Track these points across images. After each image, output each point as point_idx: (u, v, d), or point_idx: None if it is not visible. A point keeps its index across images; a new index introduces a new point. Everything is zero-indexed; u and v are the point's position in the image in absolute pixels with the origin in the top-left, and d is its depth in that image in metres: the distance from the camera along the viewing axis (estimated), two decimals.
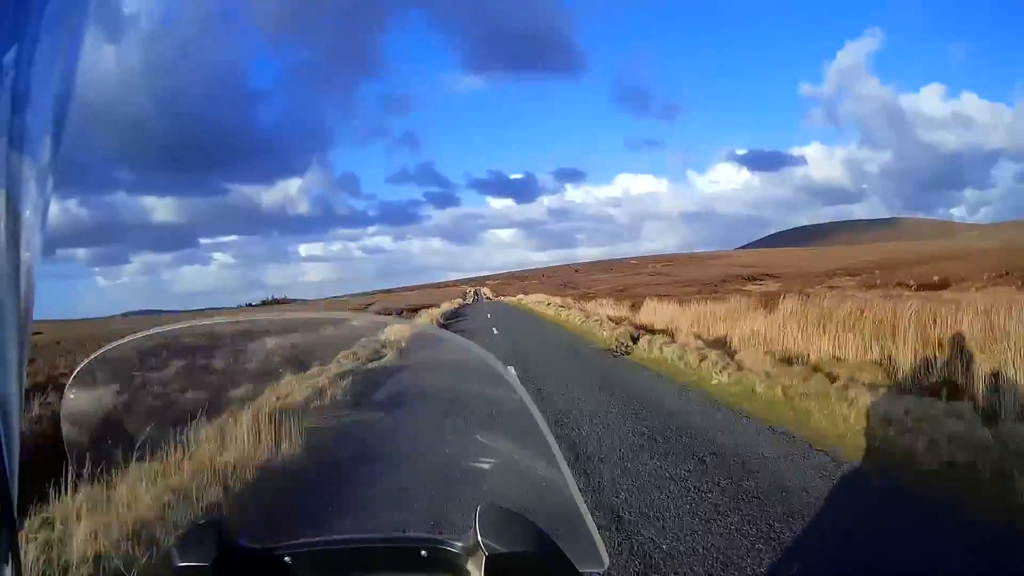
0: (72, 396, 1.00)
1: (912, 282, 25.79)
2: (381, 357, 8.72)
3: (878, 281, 29.78)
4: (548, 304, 32.09)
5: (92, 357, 0.97)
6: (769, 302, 11.90)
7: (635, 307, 20.89)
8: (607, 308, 22.34)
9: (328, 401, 4.85)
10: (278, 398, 4.55)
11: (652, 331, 13.14)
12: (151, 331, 0.98)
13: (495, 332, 17.32)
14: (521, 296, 57.72)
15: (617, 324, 14.90)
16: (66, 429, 1.04)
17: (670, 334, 12.30)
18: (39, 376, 12.33)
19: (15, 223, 0.58)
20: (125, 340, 0.98)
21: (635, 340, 11.65)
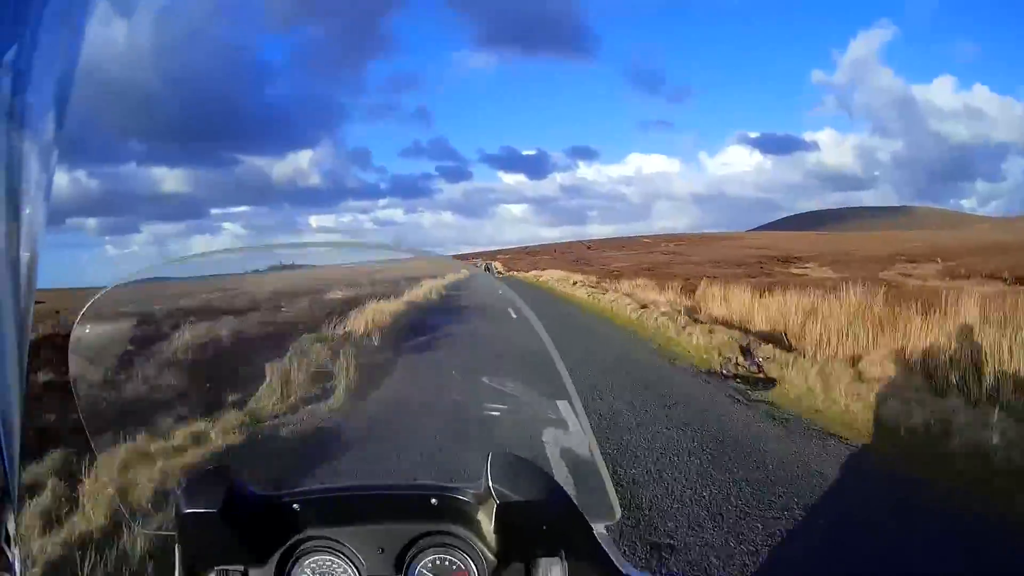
0: (79, 332, 0.94)
1: (1007, 274, 22.64)
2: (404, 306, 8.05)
3: (963, 271, 26.52)
4: (574, 283, 27.91)
5: (103, 292, 0.92)
6: (904, 300, 8.82)
7: (686, 292, 17.62)
8: (650, 291, 18.97)
9: (343, 351, 4.15)
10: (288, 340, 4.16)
11: (759, 336, 9.31)
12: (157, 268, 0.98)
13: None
14: (536, 272, 54.03)
15: (691, 320, 11.56)
16: (73, 367, 0.99)
17: (791, 344, 8.66)
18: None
19: (16, 210, 0.56)
20: (134, 279, 0.93)
21: (747, 352, 7.88)
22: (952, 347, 6.11)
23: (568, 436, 0.95)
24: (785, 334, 9.37)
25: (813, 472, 3.93)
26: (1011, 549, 2.99)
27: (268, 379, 3.87)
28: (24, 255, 0.57)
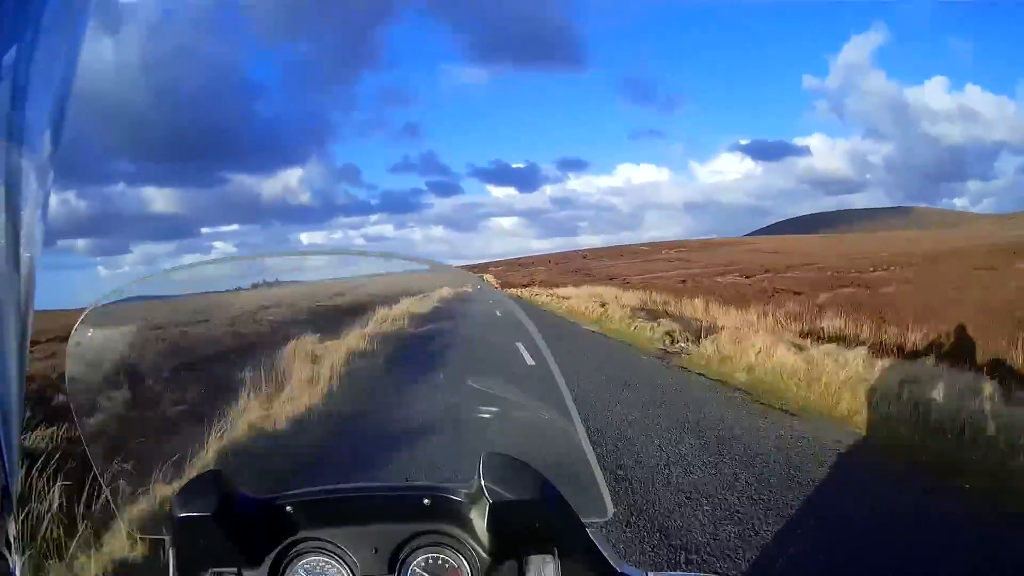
0: (77, 338, 0.98)
1: None
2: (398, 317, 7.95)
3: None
4: (622, 312, 16.06)
5: (101, 301, 0.96)
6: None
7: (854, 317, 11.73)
8: (771, 328, 11.36)
9: (335, 357, 4.40)
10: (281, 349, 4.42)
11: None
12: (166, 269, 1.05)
13: None
14: (537, 289, 45.81)
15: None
16: (70, 370, 1.02)
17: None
18: None
19: (15, 220, 0.58)
20: (135, 281, 0.99)
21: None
22: None
23: (560, 434, 0.92)
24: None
25: (678, 389, 7.67)
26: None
27: (260, 385, 3.84)
28: (24, 255, 0.59)
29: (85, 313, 0.98)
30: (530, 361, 1.14)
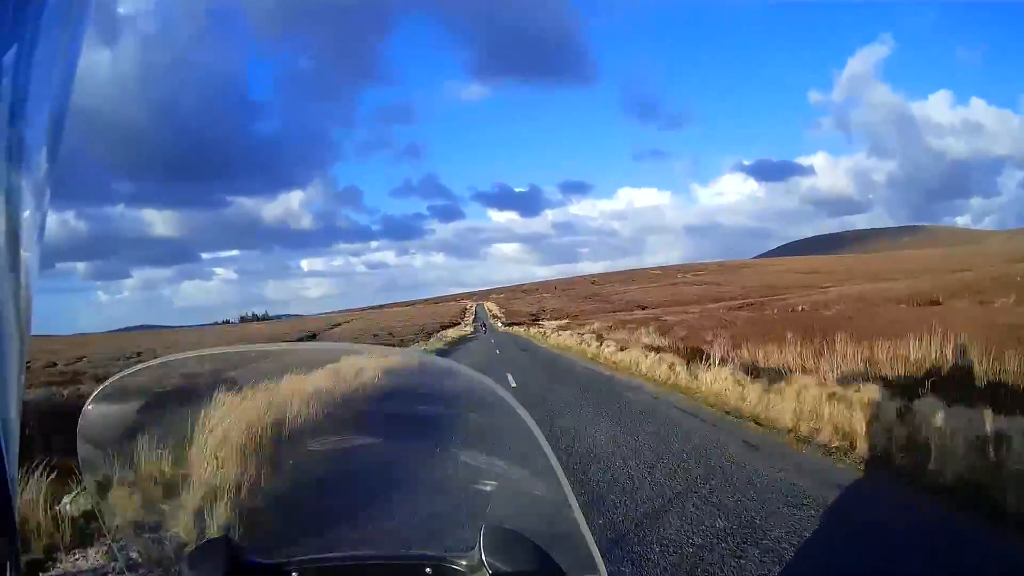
0: (89, 415, 1.05)
1: None
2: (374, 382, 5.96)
3: None
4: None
5: (106, 384, 1.05)
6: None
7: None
8: None
9: (330, 424, 3.37)
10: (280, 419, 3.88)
11: None
12: (163, 359, 1.07)
13: None
14: (552, 326, 35.66)
15: None
16: (81, 449, 1.09)
17: None
18: None
19: (13, 235, 0.59)
20: (138, 368, 1.07)
21: None
22: None
23: (554, 507, 0.94)
24: None
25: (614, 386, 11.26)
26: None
27: (266, 449, 3.66)
28: (24, 255, 0.60)
29: (93, 395, 1.03)
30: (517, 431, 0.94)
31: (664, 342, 16.29)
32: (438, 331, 56.99)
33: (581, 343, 21.33)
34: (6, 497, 0.61)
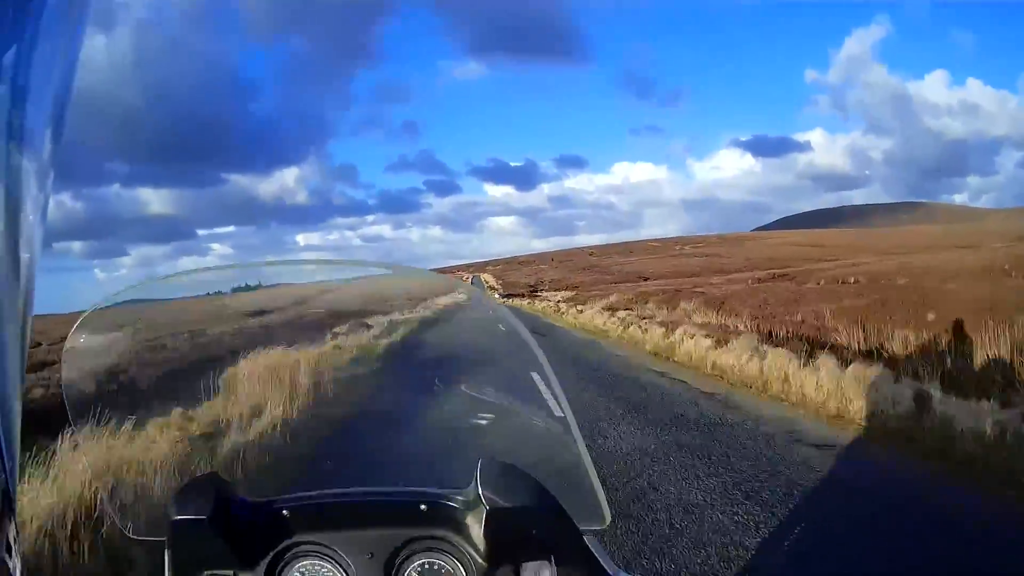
0: (73, 342, 0.98)
1: None
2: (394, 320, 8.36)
3: None
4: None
5: (98, 305, 0.98)
6: None
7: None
8: None
9: (332, 362, 4.35)
10: (276, 353, 4.29)
11: None
12: (159, 279, 1.07)
13: None
14: (551, 296, 35.53)
15: None
16: (66, 374, 1.05)
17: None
18: None
19: (14, 221, 0.59)
20: (126, 290, 1.03)
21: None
22: None
23: (557, 441, 0.91)
24: None
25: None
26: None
27: (256, 389, 3.67)
28: (24, 256, 0.59)
29: (81, 318, 0.96)
30: (529, 369, 0.96)
31: (735, 323, 11.24)
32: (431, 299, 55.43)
33: (619, 325, 15.09)
34: (6, 490, 0.59)
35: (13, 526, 0.60)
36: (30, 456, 3.22)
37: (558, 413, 0.91)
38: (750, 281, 26.90)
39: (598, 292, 33.42)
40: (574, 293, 37.78)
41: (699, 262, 58.79)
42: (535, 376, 0.91)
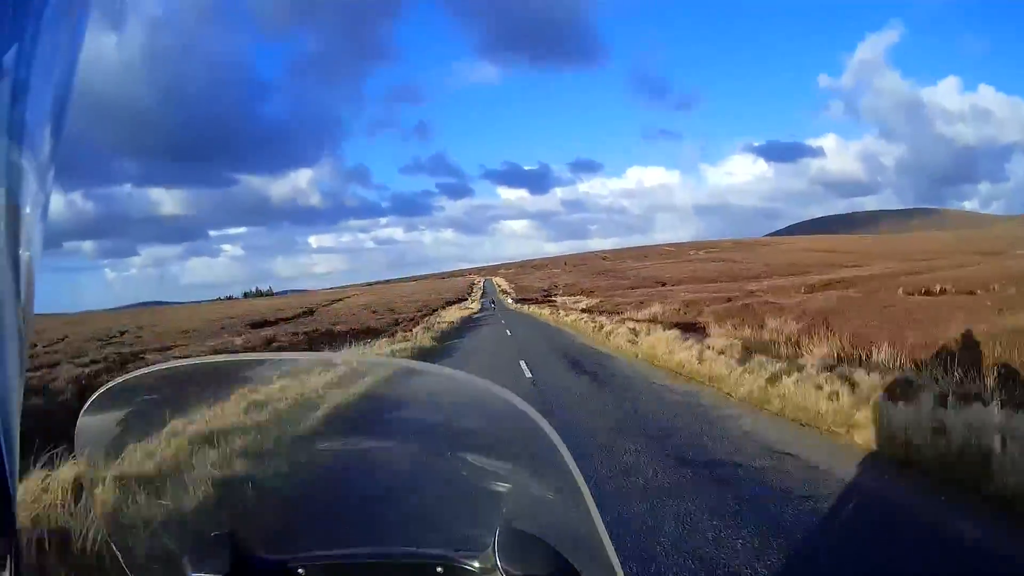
0: (86, 419, 1.04)
1: None
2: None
3: None
4: None
5: (107, 387, 1.02)
6: None
7: None
8: None
9: (337, 428, 3.39)
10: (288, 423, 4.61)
11: None
12: (169, 364, 1.04)
13: None
14: (568, 302, 31.52)
15: None
16: (81, 455, 1.09)
17: None
18: None
19: (14, 221, 0.58)
20: (142, 372, 1.04)
21: None
22: None
23: (571, 509, 0.89)
24: None
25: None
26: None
27: (269, 444, 3.98)
28: (24, 255, 0.59)
29: (90, 400, 1.00)
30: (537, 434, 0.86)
31: (889, 357, 7.43)
32: (439, 310, 49.13)
33: (734, 366, 8.08)
34: (6, 496, 0.59)
35: (14, 535, 0.60)
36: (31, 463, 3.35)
37: (572, 482, 0.90)
38: (803, 289, 24.86)
39: (622, 298, 32.28)
40: (597, 301, 35.98)
41: (717, 267, 58.71)
42: (545, 446, 0.91)
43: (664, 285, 48.18)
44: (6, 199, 0.57)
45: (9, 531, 0.61)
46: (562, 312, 29.60)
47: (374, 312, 59.63)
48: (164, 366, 1.04)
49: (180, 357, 1.98)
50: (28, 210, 0.59)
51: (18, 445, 0.60)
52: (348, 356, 2.41)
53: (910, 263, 46.53)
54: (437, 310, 53.04)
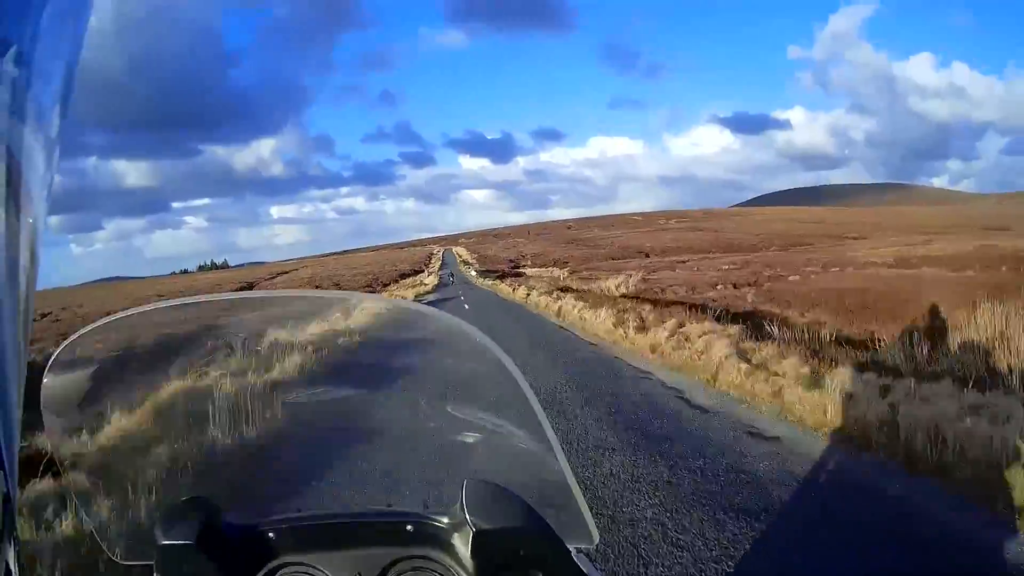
0: (49, 382, 1.03)
1: None
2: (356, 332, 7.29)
3: None
4: None
5: (66, 344, 1.01)
6: None
7: None
8: None
9: (307, 377, 4.44)
10: (255, 372, 4.25)
11: None
12: (122, 313, 1.02)
13: None
14: (535, 272, 26.91)
15: None
16: (46, 417, 1.07)
17: None
18: None
19: (17, 209, 0.56)
20: (97, 324, 1.01)
21: None
22: None
23: (540, 461, 0.91)
24: None
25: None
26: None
27: (240, 407, 3.69)
28: (25, 253, 0.58)
29: (52, 358, 0.99)
30: (509, 388, 0.91)
31: None
32: (390, 284, 44.64)
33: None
34: (6, 495, 0.58)
35: (14, 549, 0.58)
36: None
37: (541, 432, 0.90)
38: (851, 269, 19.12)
39: (605, 269, 25.38)
40: (570, 272, 28.82)
41: (700, 236, 52.03)
42: (515, 395, 0.87)
43: (648, 256, 41.58)
44: (10, 182, 0.54)
45: (9, 530, 0.58)
46: (536, 292, 21.75)
47: (316, 287, 51.69)
48: (127, 312, 1.00)
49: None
50: (33, 196, 0.57)
51: (18, 445, 0.58)
52: (330, 293, 1.98)
53: (920, 235, 41.05)
54: (389, 284, 46.44)
